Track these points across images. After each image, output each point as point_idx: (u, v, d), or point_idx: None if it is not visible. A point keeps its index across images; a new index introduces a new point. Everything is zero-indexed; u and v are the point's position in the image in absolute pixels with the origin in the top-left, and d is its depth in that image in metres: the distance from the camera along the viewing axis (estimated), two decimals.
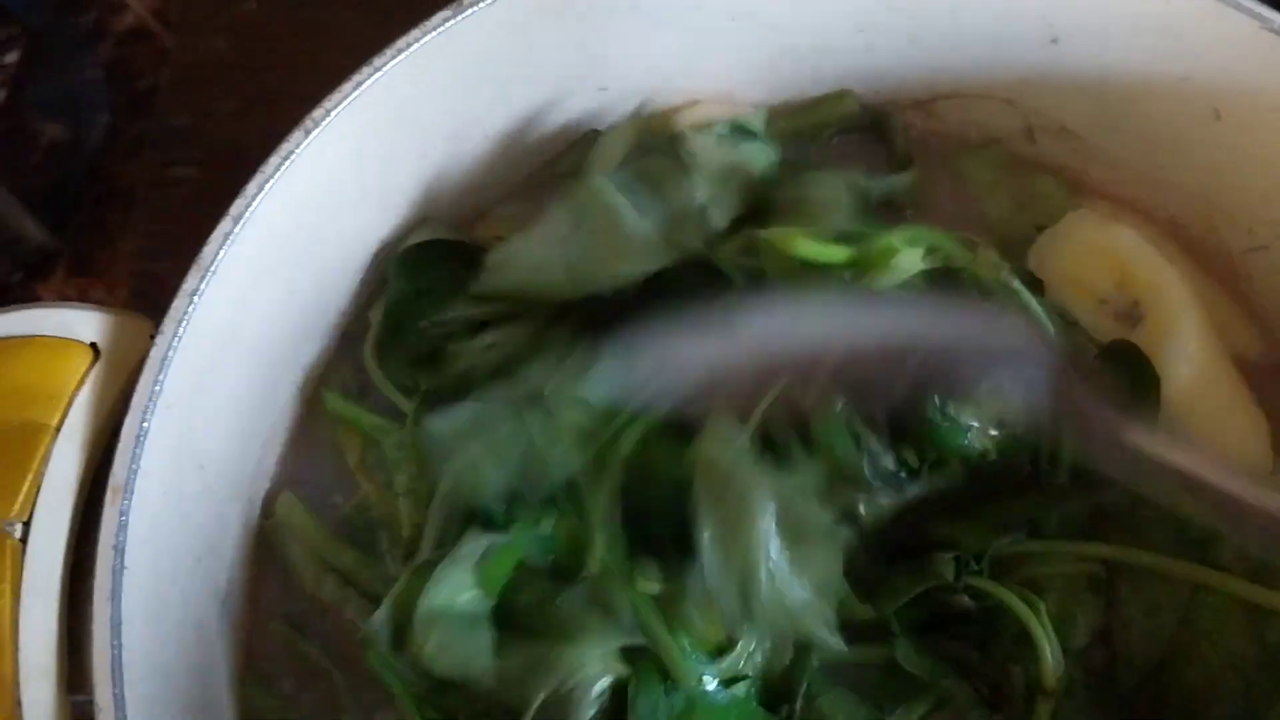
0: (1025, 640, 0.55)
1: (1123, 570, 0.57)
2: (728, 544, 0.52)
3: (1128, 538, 0.57)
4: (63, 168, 0.89)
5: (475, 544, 0.55)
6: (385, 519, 0.61)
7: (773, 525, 0.52)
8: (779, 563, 0.52)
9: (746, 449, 0.53)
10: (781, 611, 0.52)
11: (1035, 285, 0.61)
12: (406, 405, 0.62)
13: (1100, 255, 0.63)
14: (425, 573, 0.54)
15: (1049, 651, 0.55)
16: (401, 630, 0.54)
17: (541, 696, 0.52)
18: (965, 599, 0.57)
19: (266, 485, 0.65)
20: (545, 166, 0.70)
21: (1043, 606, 0.55)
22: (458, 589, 0.54)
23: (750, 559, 0.52)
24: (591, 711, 0.53)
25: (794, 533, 0.53)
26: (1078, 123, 0.67)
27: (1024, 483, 0.59)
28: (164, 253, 0.85)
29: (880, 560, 0.58)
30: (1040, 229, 0.65)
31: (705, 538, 0.52)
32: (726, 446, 0.53)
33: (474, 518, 0.56)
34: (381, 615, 0.54)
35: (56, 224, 0.88)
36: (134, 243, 0.87)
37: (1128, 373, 0.59)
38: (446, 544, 0.56)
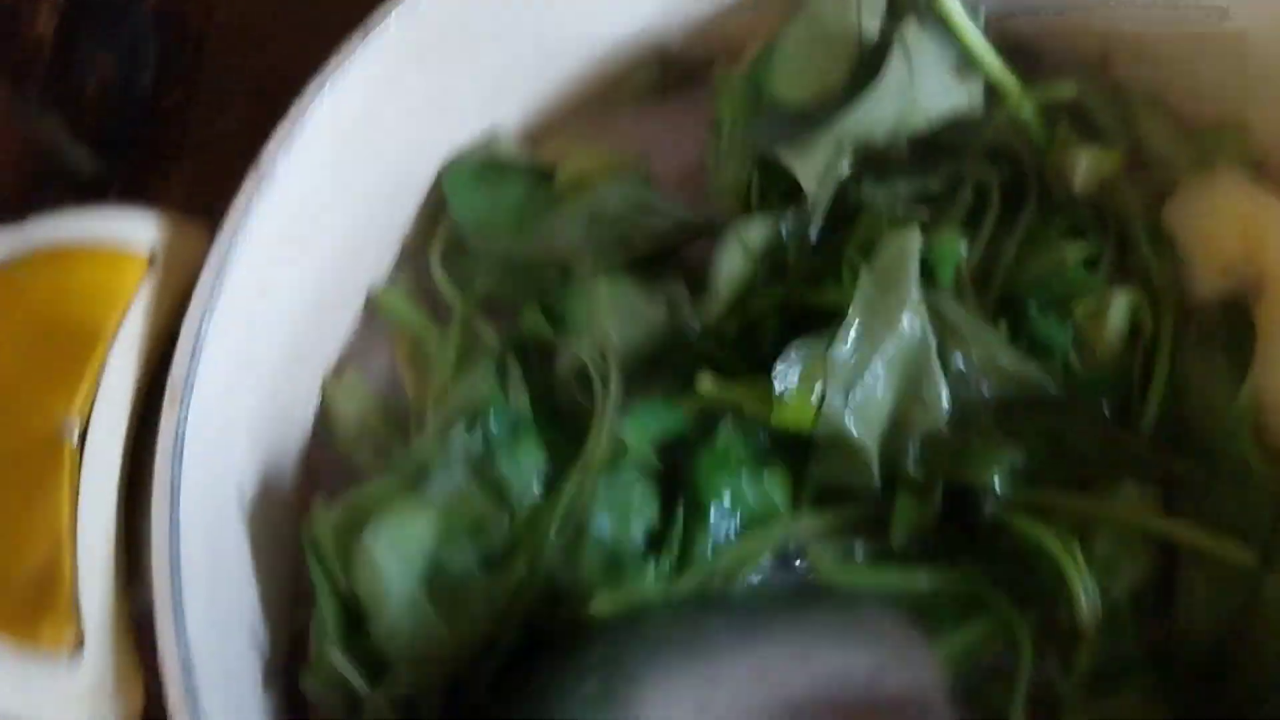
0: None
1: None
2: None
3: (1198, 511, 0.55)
4: (114, 102, 0.88)
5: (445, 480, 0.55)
6: (420, 414, 0.61)
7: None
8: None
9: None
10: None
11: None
12: (461, 314, 0.62)
13: (1238, 221, 0.59)
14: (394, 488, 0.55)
15: (1081, 591, 0.53)
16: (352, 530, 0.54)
17: None
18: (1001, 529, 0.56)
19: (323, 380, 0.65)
20: (611, 87, 0.69)
21: (1077, 546, 0.54)
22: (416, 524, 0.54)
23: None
24: None
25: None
26: (1158, 48, 0.64)
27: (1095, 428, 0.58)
28: (215, 189, 0.84)
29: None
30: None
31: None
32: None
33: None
34: (330, 514, 0.54)
35: (109, 159, 0.87)
36: (185, 179, 0.87)
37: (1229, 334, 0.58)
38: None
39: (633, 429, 0.56)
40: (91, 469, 0.51)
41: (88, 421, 0.52)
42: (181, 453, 0.50)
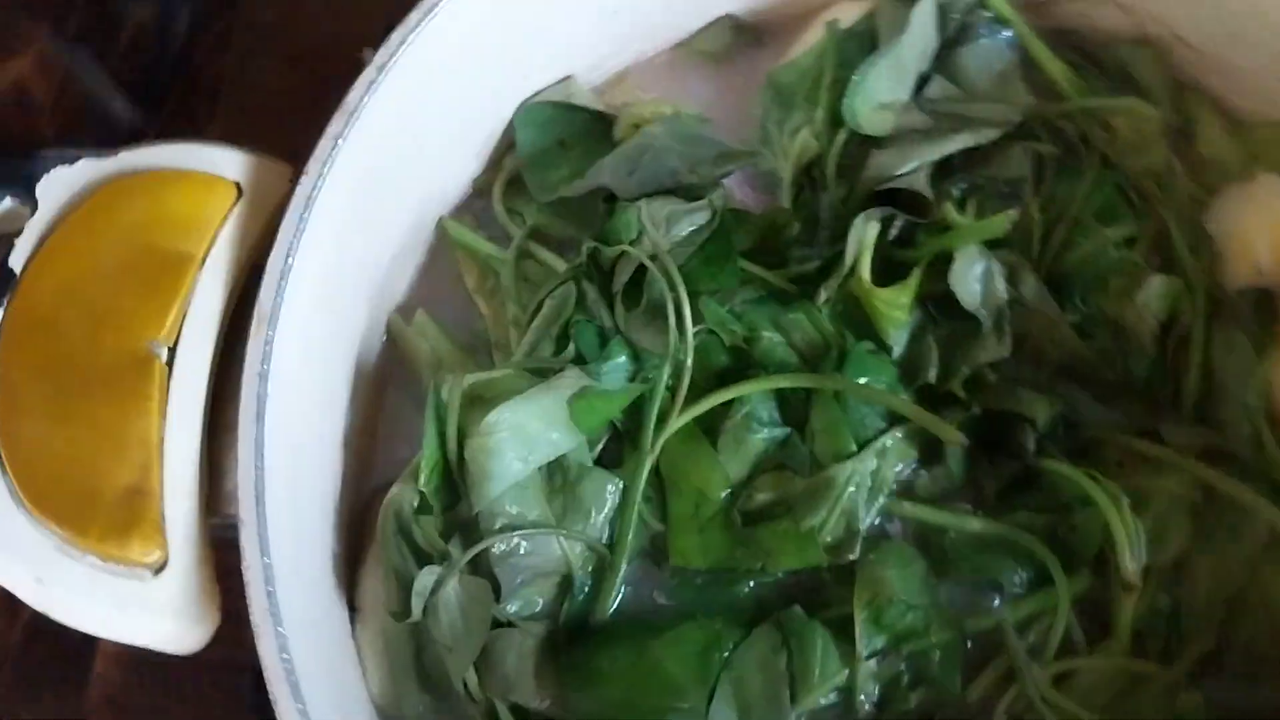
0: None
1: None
2: None
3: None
4: (150, 54, 0.89)
5: (574, 378, 0.57)
6: (500, 341, 0.64)
7: None
8: None
9: None
10: None
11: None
12: (520, 239, 0.65)
13: (1274, 227, 0.62)
14: (518, 380, 0.57)
15: (1126, 542, 0.56)
16: (471, 406, 0.56)
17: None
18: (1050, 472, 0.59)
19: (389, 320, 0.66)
20: (681, 46, 0.71)
21: (1126, 501, 0.56)
22: (540, 414, 0.56)
23: None
24: None
25: None
26: (1195, 33, 0.66)
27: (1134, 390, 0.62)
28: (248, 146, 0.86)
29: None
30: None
31: None
32: None
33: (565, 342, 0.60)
34: (460, 382, 0.56)
35: (144, 108, 0.88)
36: (218, 135, 0.87)
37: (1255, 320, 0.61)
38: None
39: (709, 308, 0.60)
40: (180, 388, 0.52)
41: (176, 343, 0.53)
42: (268, 375, 0.51)
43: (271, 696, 0.47)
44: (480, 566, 0.57)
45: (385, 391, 0.65)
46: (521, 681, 0.56)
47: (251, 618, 0.48)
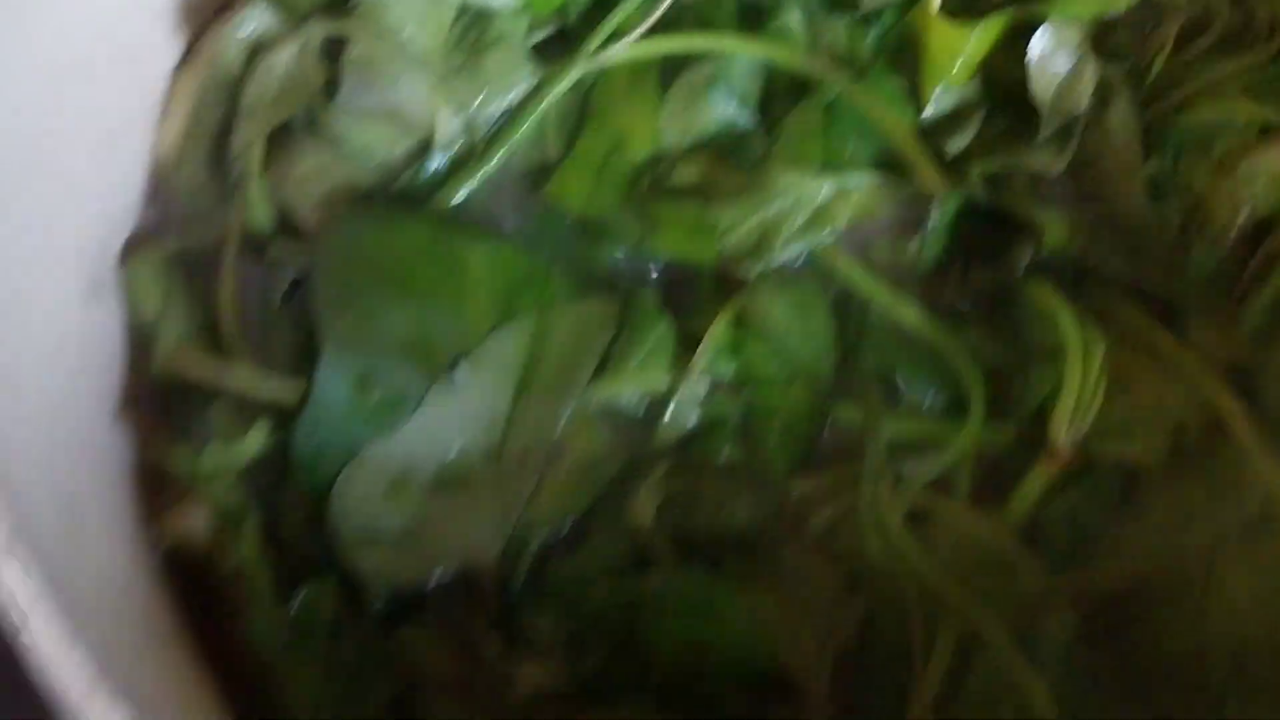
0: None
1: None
2: None
3: None
4: None
5: None
6: None
7: None
8: None
9: None
10: None
11: None
12: None
13: None
14: None
15: (1073, 401, 0.45)
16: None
17: None
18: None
19: None
20: None
21: (1100, 361, 0.45)
22: None
23: None
24: None
25: None
26: None
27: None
28: None
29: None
30: None
31: None
32: None
33: None
34: None
35: None
36: None
37: None
38: None
39: None
40: None
41: None
42: None
43: None
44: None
45: None
46: (302, 187, 0.48)
47: None
